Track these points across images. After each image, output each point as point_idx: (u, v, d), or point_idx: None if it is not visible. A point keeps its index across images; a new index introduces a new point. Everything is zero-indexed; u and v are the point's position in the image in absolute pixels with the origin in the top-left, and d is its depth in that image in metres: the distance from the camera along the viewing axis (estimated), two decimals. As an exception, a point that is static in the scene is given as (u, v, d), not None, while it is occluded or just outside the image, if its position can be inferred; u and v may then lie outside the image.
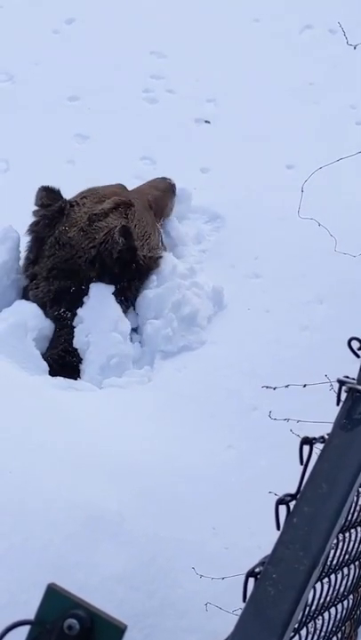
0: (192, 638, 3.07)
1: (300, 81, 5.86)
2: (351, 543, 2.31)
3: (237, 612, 1.51)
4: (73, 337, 4.25)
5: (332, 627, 2.36)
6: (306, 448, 1.68)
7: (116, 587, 3.07)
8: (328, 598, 2.22)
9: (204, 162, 5.33)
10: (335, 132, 5.40)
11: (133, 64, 5.94)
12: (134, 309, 4.38)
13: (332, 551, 2.12)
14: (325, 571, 2.12)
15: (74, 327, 4.27)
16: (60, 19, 6.27)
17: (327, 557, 1.91)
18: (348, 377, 1.86)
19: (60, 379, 4.05)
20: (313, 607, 2.07)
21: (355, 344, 1.97)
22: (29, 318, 4.21)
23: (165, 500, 3.41)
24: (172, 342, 4.20)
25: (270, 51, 6.04)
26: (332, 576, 2.23)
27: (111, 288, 4.32)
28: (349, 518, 2.16)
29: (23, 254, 4.53)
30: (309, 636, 2.17)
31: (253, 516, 3.16)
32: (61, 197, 4.54)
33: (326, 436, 1.77)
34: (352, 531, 2.28)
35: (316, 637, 2.24)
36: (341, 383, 1.84)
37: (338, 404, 1.84)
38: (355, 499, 2.11)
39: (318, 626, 2.23)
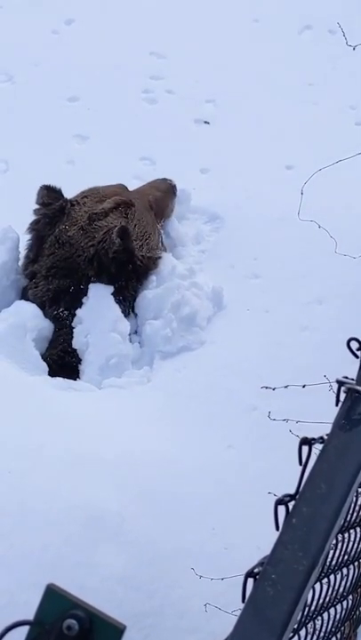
0: (191, 638, 3.07)
1: (300, 81, 5.87)
2: (350, 543, 2.31)
3: (237, 612, 1.51)
4: (72, 337, 4.26)
5: (332, 627, 2.36)
6: (305, 448, 1.68)
7: (116, 587, 3.07)
8: (327, 599, 2.22)
9: (204, 162, 5.33)
10: (335, 132, 5.40)
11: (133, 64, 5.94)
12: (133, 310, 4.38)
13: (332, 552, 2.12)
14: (325, 571, 2.12)
15: (73, 327, 4.28)
16: (59, 19, 6.27)
17: (326, 558, 1.91)
18: (347, 377, 1.86)
19: (59, 379, 4.06)
20: (312, 607, 2.07)
21: (354, 345, 1.97)
22: (29, 319, 4.21)
23: (165, 500, 3.41)
24: (172, 343, 4.20)
25: (270, 51, 6.04)
26: (332, 576, 2.23)
27: (110, 288, 4.33)
28: (348, 519, 2.16)
29: (23, 253, 4.53)
30: (309, 637, 2.17)
31: (253, 516, 3.16)
32: (62, 196, 4.55)
33: (325, 437, 1.77)
34: (351, 531, 2.28)
35: (315, 638, 2.24)
36: (340, 384, 1.84)
37: (337, 405, 1.84)
38: (354, 499, 2.11)
39: (318, 626, 2.23)
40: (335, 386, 1.85)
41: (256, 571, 1.54)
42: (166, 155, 5.35)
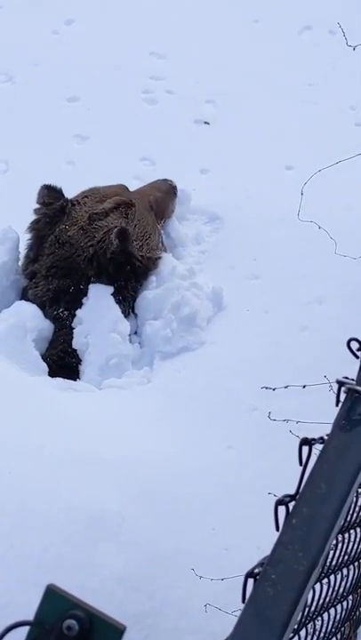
0: (191, 639, 3.07)
1: (300, 82, 5.86)
2: (350, 544, 2.31)
3: (237, 612, 1.51)
4: (72, 337, 4.26)
5: (332, 627, 2.36)
6: (305, 449, 1.68)
7: (116, 587, 3.07)
8: (327, 599, 2.22)
9: (204, 163, 5.33)
10: (335, 132, 5.40)
11: (133, 65, 5.94)
12: (133, 311, 4.38)
13: (332, 552, 2.12)
14: (325, 571, 2.12)
15: (73, 328, 4.28)
16: (59, 19, 6.26)
17: (326, 558, 1.91)
18: (347, 378, 1.86)
19: (59, 379, 4.06)
20: (312, 608, 2.07)
21: (354, 345, 1.97)
22: (29, 319, 4.21)
23: (165, 500, 3.41)
24: (172, 343, 4.20)
25: (270, 52, 6.04)
26: (332, 577, 2.23)
27: (110, 289, 4.33)
28: (348, 519, 2.16)
29: (23, 253, 4.53)
30: (309, 637, 2.17)
31: (253, 516, 3.16)
32: (63, 196, 4.55)
33: (325, 437, 1.77)
34: (351, 531, 2.28)
35: (315, 638, 2.24)
36: (341, 384, 1.84)
37: (337, 405, 1.84)
38: (354, 499, 2.11)
39: (318, 627, 2.23)
40: (335, 386, 1.85)
41: (256, 571, 1.54)
42: (166, 155, 5.35)
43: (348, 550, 2.30)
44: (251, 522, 3.18)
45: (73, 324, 4.29)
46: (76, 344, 4.24)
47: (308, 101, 5.74)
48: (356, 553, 2.40)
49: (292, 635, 1.87)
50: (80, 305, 4.30)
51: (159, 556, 3.21)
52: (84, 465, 3.40)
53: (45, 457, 3.40)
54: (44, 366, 4.13)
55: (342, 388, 1.84)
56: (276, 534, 1.60)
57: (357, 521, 2.31)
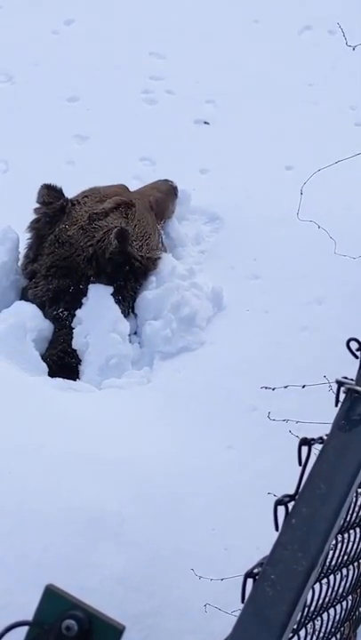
0: (191, 639, 3.07)
1: (300, 82, 5.87)
2: (350, 544, 2.31)
3: (236, 612, 1.50)
4: (72, 337, 4.26)
5: (331, 627, 2.36)
6: (304, 449, 1.68)
7: (116, 587, 3.07)
8: (327, 599, 2.22)
9: (204, 163, 5.33)
10: (334, 133, 5.40)
11: (133, 65, 5.94)
12: (133, 311, 4.38)
13: (331, 552, 2.12)
14: (324, 572, 2.12)
15: (73, 328, 4.28)
16: (59, 20, 6.27)
17: (326, 558, 1.91)
18: (346, 378, 1.86)
19: (59, 379, 4.06)
20: (312, 608, 2.07)
21: (353, 345, 1.97)
22: (29, 319, 4.21)
23: (165, 500, 3.41)
24: (172, 343, 4.20)
25: (270, 52, 6.04)
26: (331, 577, 2.23)
27: (110, 289, 4.33)
28: (348, 519, 2.16)
29: (23, 252, 4.53)
30: (308, 637, 2.17)
31: (253, 516, 3.17)
32: (63, 196, 4.55)
33: (325, 437, 1.77)
34: (351, 531, 2.28)
35: (315, 638, 2.24)
36: (340, 384, 1.84)
37: (336, 405, 1.84)
38: (353, 499, 2.11)
39: (317, 627, 2.23)
40: (335, 386, 1.85)
41: (255, 571, 1.54)
42: (166, 155, 5.35)
43: (348, 550, 2.30)
44: (250, 522, 3.19)
45: (73, 324, 4.29)
46: (75, 344, 4.24)
47: (308, 101, 5.75)
48: (355, 553, 2.40)
49: (291, 635, 1.87)
50: (80, 305, 4.30)
51: (159, 556, 3.21)
52: (84, 465, 3.40)
53: (45, 457, 3.40)
54: (44, 366, 4.13)
55: (342, 388, 1.84)
56: (276, 534, 1.60)
57: (357, 521, 2.31)
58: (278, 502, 1.63)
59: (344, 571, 2.36)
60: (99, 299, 4.30)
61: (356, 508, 2.27)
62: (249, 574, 1.54)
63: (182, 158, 5.31)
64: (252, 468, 3.61)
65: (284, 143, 5.35)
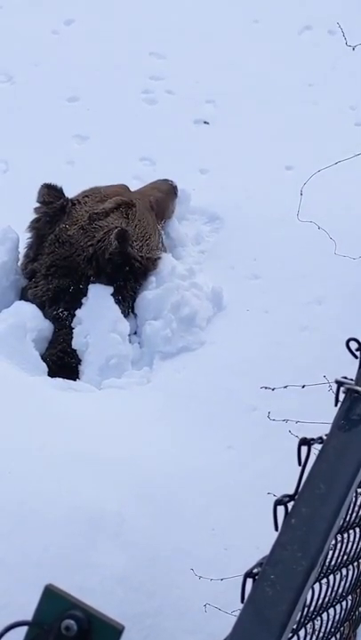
0: (191, 639, 3.07)
1: (300, 82, 5.87)
2: (350, 544, 2.31)
3: (236, 612, 1.50)
4: (72, 337, 4.26)
5: (331, 627, 2.36)
6: (304, 449, 1.68)
7: (116, 587, 3.07)
8: (327, 599, 2.22)
9: (204, 163, 5.33)
10: (334, 133, 5.40)
11: (133, 65, 5.94)
12: (132, 311, 4.38)
13: (331, 552, 2.12)
14: (324, 571, 2.12)
15: (72, 328, 4.28)
16: (59, 20, 6.27)
17: (325, 558, 1.91)
18: (346, 378, 1.86)
19: (59, 379, 4.06)
20: (311, 608, 2.07)
21: (353, 345, 1.97)
22: (29, 319, 4.21)
23: (165, 500, 3.41)
24: (171, 343, 4.20)
25: (270, 52, 6.04)
26: (331, 577, 2.23)
27: (110, 289, 4.33)
28: (348, 519, 2.16)
29: (23, 251, 4.53)
30: (308, 637, 2.17)
31: (252, 516, 3.17)
32: (63, 195, 4.55)
33: (324, 437, 1.77)
34: (350, 531, 2.28)
35: (314, 638, 2.24)
36: (340, 384, 1.85)
37: (336, 405, 1.85)
38: (353, 499, 2.11)
39: (317, 626, 2.23)
40: (335, 386, 1.85)
41: (255, 571, 1.54)
42: (166, 155, 5.35)
43: (348, 550, 2.30)
44: (250, 522, 3.19)
45: (73, 324, 4.29)
46: (75, 344, 4.24)
47: (308, 101, 5.75)
48: (355, 553, 2.40)
49: (291, 634, 1.87)
50: (80, 305, 4.30)
51: (159, 556, 3.21)
52: (84, 465, 3.40)
53: (45, 457, 3.40)
54: (44, 366, 4.13)
55: (341, 388, 1.84)
56: (276, 534, 1.60)
57: (356, 521, 2.31)
58: (278, 502, 1.63)
59: (344, 571, 2.36)
60: (99, 299, 4.30)
61: (356, 508, 2.27)
62: (249, 574, 1.54)
63: (182, 158, 5.31)
64: (251, 468, 3.61)
65: (284, 143, 5.35)
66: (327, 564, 2.12)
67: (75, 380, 4.14)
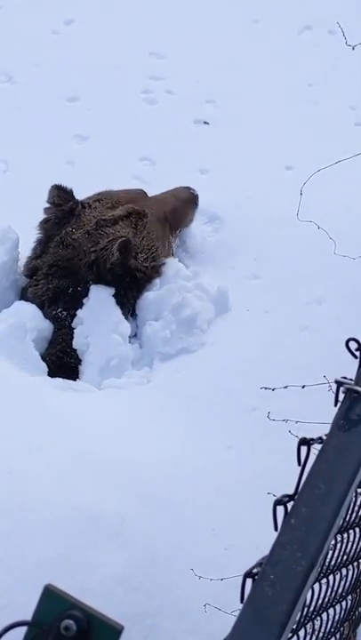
0: (191, 639, 3.07)
1: (300, 82, 5.87)
2: (349, 544, 2.31)
3: (236, 612, 1.50)
4: (71, 337, 4.25)
5: (331, 627, 2.36)
6: (304, 449, 1.68)
7: (116, 587, 3.07)
8: (326, 599, 2.22)
9: (204, 163, 5.33)
10: (334, 133, 5.40)
11: (133, 65, 5.94)
12: (132, 316, 4.37)
13: (331, 552, 2.12)
14: (324, 571, 2.12)
15: (72, 328, 4.28)
16: (59, 19, 6.27)
17: (325, 558, 1.91)
18: (346, 378, 1.86)
19: (59, 379, 4.06)
20: (311, 608, 2.07)
21: (353, 345, 1.97)
22: (29, 319, 4.21)
23: (165, 500, 3.41)
24: (170, 344, 4.19)
25: (270, 52, 6.04)
26: (331, 577, 2.23)
27: (111, 290, 4.32)
28: (347, 519, 2.16)
29: (29, 250, 4.51)
30: (308, 637, 2.17)
31: (252, 516, 3.16)
32: (73, 198, 4.53)
33: (324, 437, 1.78)
34: (350, 531, 2.28)
35: (314, 638, 2.24)
36: (339, 384, 1.85)
37: (336, 405, 1.85)
38: (353, 499, 2.11)
39: (317, 627, 2.23)
40: (334, 386, 1.85)
41: (255, 571, 1.54)
42: (166, 155, 5.35)
43: (347, 550, 2.30)
44: (250, 522, 3.19)
45: (73, 325, 4.28)
46: (76, 344, 4.24)
47: (308, 101, 5.75)
48: (355, 553, 2.40)
49: (290, 635, 1.87)
50: (79, 305, 4.30)
51: (159, 556, 3.21)
52: (83, 465, 3.40)
53: (45, 457, 3.40)
54: (44, 366, 4.13)
55: (341, 388, 1.85)
56: (275, 534, 1.60)
57: (356, 521, 2.31)
58: (278, 502, 1.63)
59: (343, 571, 2.36)
60: (100, 299, 4.29)
61: (356, 508, 2.27)
62: (248, 574, 1.54)
63: (182, 158, 5.31)
64: (251, 468, 3.61)
65: (284, 143, 5.35)
66: (327, 563, 2.12)
67: (74, 379, 4.14)
